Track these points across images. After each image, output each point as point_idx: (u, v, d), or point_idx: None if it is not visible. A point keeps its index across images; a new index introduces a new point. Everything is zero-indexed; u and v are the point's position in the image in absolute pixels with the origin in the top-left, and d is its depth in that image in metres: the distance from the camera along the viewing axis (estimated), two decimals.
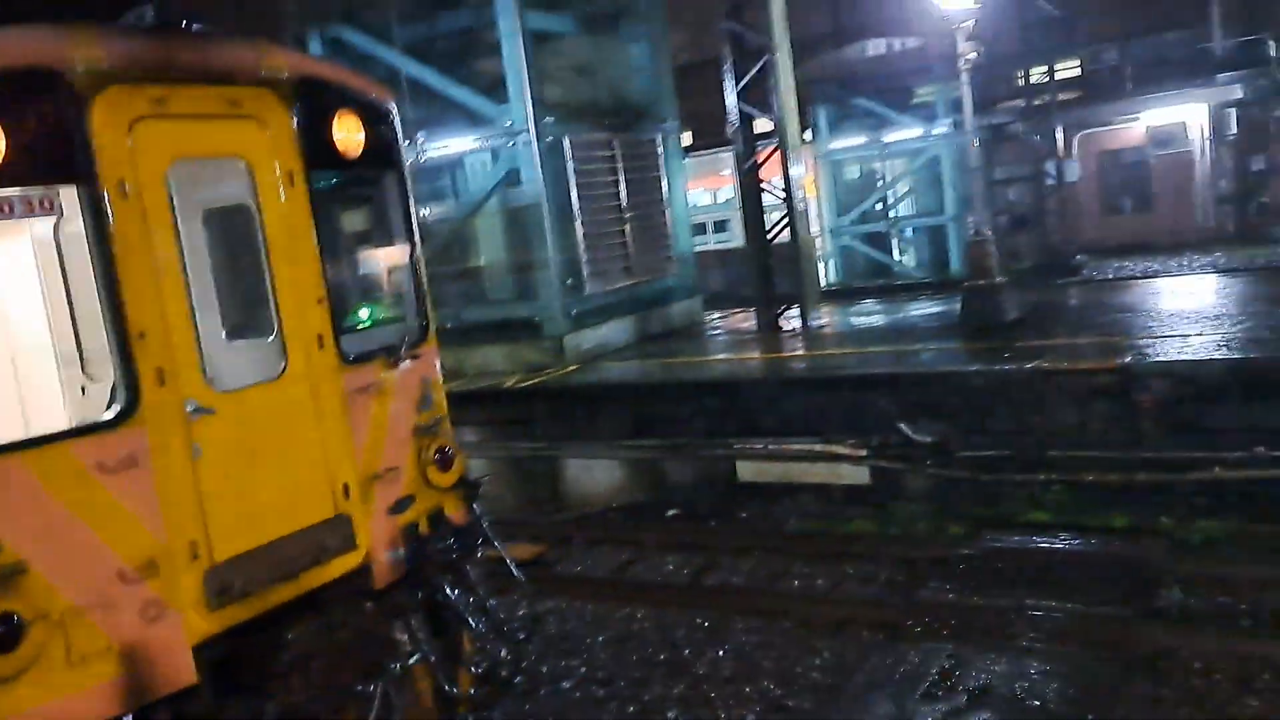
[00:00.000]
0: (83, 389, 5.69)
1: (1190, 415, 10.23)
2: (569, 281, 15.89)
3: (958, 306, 15.28)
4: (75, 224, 4.52)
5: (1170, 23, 34.30)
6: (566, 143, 15.88)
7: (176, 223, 4.62)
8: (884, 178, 28.24)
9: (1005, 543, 9.53)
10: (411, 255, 5.99)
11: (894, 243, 28.40)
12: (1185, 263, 25.64)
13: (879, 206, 28.13)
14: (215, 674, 4.61)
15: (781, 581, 9.65)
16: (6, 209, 4.13)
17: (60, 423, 5.42)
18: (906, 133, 26.58)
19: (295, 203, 5.09)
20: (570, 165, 15.92)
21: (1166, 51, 34.05)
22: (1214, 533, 9.49)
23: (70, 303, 5.59)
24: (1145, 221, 31.54)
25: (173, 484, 4.44)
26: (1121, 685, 6.73)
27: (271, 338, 5.09)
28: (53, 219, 4.81)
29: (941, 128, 25.65)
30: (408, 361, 5.72)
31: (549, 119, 15.76)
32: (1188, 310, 13.69)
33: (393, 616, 5.40)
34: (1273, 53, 31.59)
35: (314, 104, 5.22)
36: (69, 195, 4.33)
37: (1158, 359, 10.70)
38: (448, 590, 5.63)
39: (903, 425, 11.30)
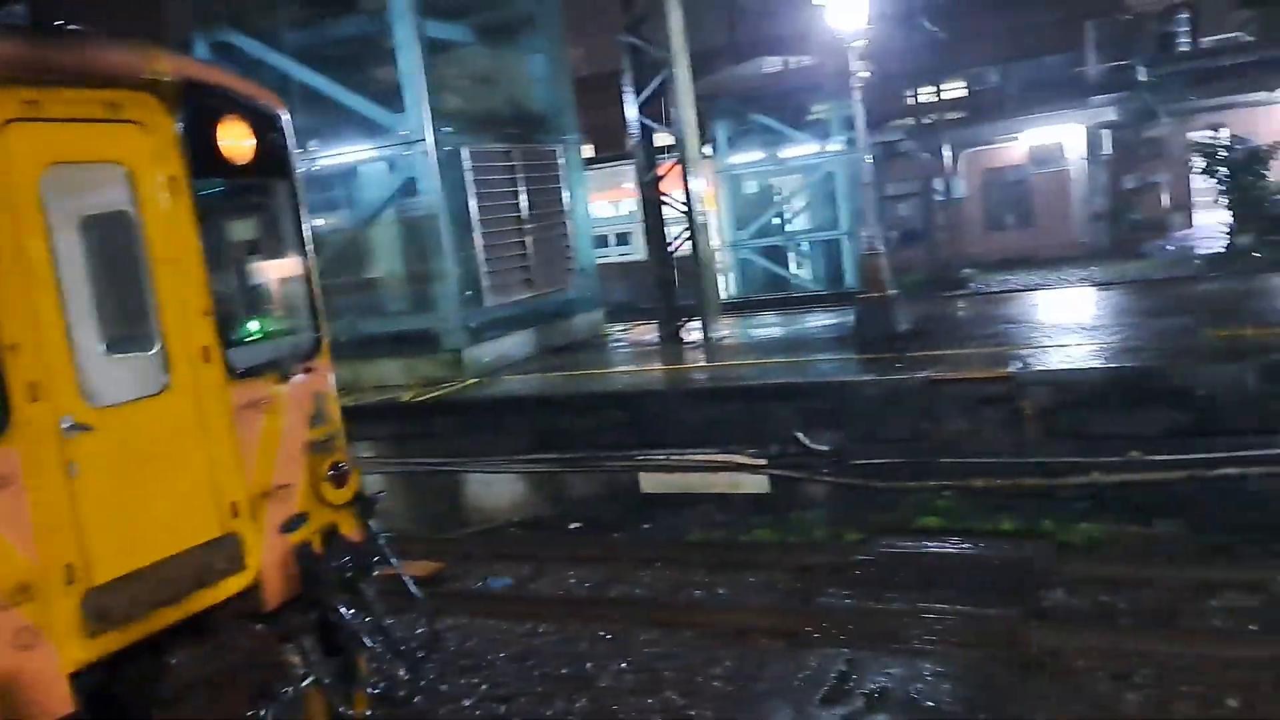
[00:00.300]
0: None
1: (1071, 422, 10.69)
2: (468, 293, 15.71)
3: (852, 318, 15.67)
4: None
5: (1048, 48, 36.12)
6: (465, 153, 15.74)
7: (51, 231, 4.40)
8: (781, 193, 28.84)
9: (899, 548, 9.77)
10: (304, 266, 5.83)
11: (791, 256, 28.98)
12: (1064, 276, 26.92)
13: (776, 221, 28.69)
14: (94, 703, 4.37)
15: (683, 592, 9.68)
16: None
17: None
18: (802, 149, 27.21)
19: (179, 211, 4.90)
20: (469, 175, 15.77)
21: (1045, 75, 35.85)
22: (1094, 534, 9.93)
23: None
24: (1026, 237, 33.02)
25: (47, 504, 4.20)
26: (1012, 684, 6.96)
27: (154, 351, 4.88)
28: None
29: (836, 144, 26.33)
30: (300, 375, 5.56)
31: (447, 128, 15.58)
32: (1067, 322, 14.32)
33: (285, 638, 5.22)
34: (1142, 77, 33.52)
35: (199, 109, 5.05)
36: None
37: (1041, 368, 11.15)
38: (343, 610, 5.47)
39: (800, 435, 11.51)
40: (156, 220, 4.82)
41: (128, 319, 5.15)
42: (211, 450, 4.93)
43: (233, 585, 4.95)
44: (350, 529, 5.71)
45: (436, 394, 14.49)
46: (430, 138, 15.18)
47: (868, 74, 15.13)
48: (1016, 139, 33.22)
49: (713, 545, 10.91)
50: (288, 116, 5.75)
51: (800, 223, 29.06)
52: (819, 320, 17.96)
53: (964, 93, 37.50)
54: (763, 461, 11.61)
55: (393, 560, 5.87)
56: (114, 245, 5.09)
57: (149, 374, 4.89)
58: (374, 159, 16.25)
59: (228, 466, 4.99)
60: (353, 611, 5.51)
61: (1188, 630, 7.63)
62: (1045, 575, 8.73)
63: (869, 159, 16.79)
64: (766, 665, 7.62)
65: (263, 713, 4.83)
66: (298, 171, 5.92)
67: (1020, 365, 11.26)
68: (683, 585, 9.79)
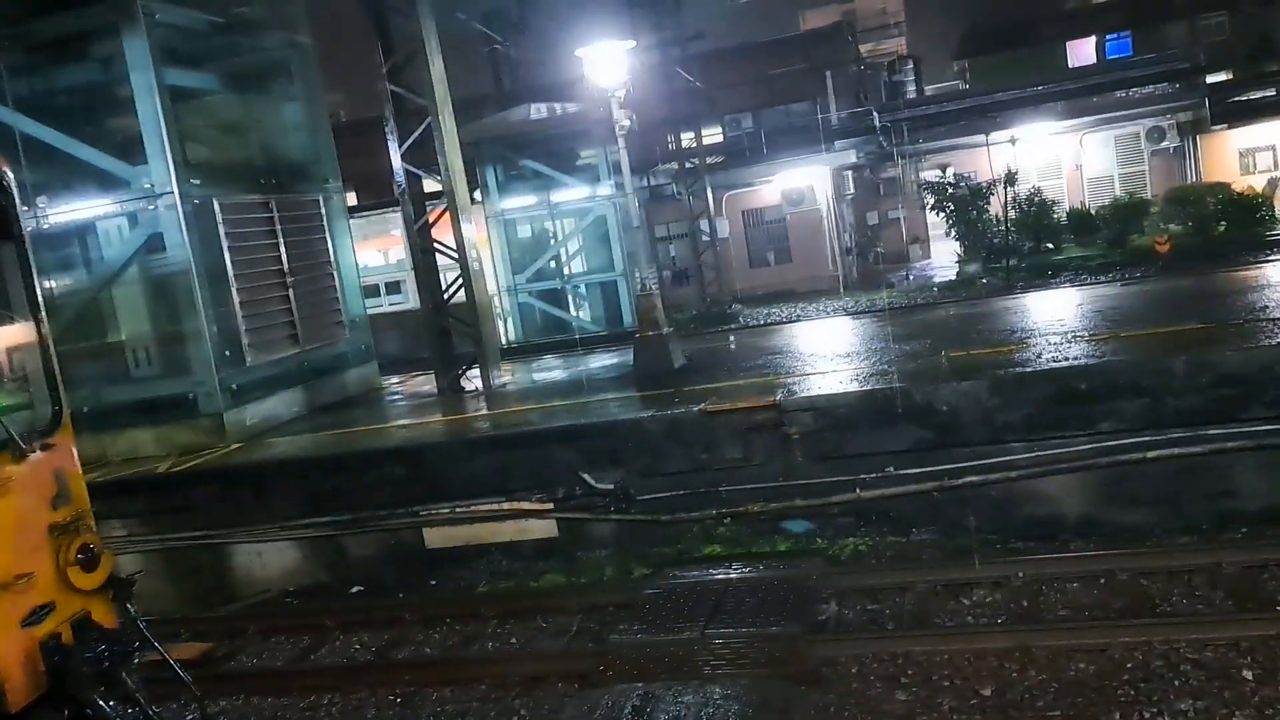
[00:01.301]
0: None
1: (833, 443, 11.41)
2: (227, 353, 14.84)
3: (630, 357, 16.06)
4: None
5: (796, 96, 38.88)
6: (216, 205, 14.94)
7: None
8: (556, 236, 29.20)
9: (685, 578, 10.06)
10: (37, 333, 5.38)
11: (570, 299, 29.36)
12: (821, 307, 28.83)
13: (553, 264, 29.00)
14: None
15: (475, 645, 9.54)
16: None
17: None
18: (574, 193, 27.69)
19: None
20: (222, 228, 14.97)
21: (794, 121, 38.55)
22: (859, 548, 10.64)
23: None
24: (785, 272, 35.16)
25: None
26: (794, 697, 7.31)
27: None
28: None
29: (606, 188, 27.00)
30: (38, 453, 5.11)
31: (194, 180, 14.75)
32: (824, 350, 15.32)
33: None
34: (877, 123, 36.70)
35: None
36: None
37: (803, 394, 11.85)
38: (101, 704, 5.02)
39: (585, 475, 11.63)
40: None
41: None
42: None
43: None
44: (104, 616, 5.27)
45: (195, 462, 13.56)
46: (176, 190, 14.32)
47: (630, 122, 15.68)
48: (771, 181, 35.40)
49: (502, 595, 10.82)
50: (11, 174, 5.31)
51: (576, 265, 29.53)
52: (599, 361, 18.28)
53: (720, 138, 39.62)
54: (549, 505, 11.62)
55: (155, 644, 5.45)
56: None
57: None
58: (114, 214, 15.11)
59: None
60: (113, 705, 5.06)
61: (943, 629, 8.31)
62: (819, 591, 9.25)
63: (637, 203, 17.35)
64: (562, 710, 7.63)
65: None
66: (26, 231, 5.46)
67: (785, 392, 11.93)
68: (473, 639, 9.65)
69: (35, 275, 5.48)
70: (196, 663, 9.45)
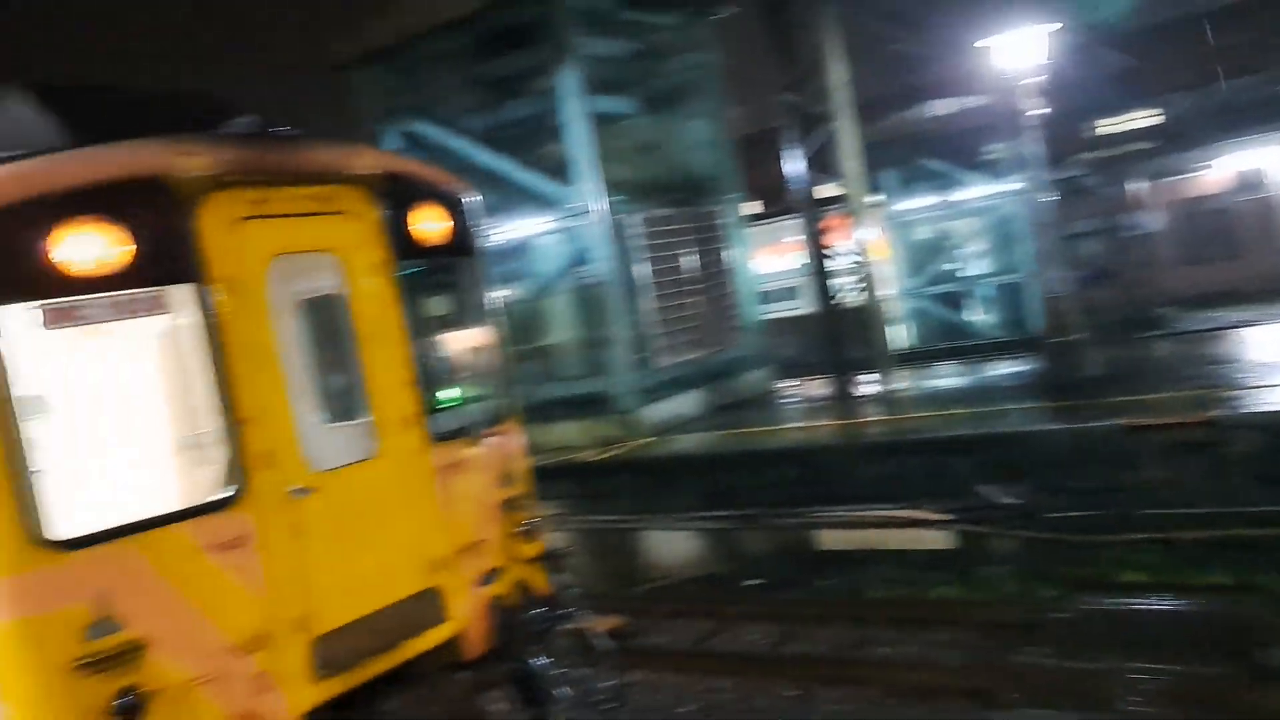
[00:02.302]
0: (194, 473, 6.02)
1: None
2: (639, 356, 16.11)
3: (1036, 365, 15.07)
4: (188, 319, 4.87)
5: (1251, 66, 33.78)
6: (633, 220, 16.27)
7: (277, 315, 4.94)
8: (956, 237, 28.12)
9: (1100, 605, 9.26)
10: (491, 337, 6.25)
11: (969, 303, 28.13)
12: (1277, 312, 24.82)
13: (952, 266, 27.96)
14: None
15: (866, 649, 9.50)
16: (131, 309, 4.48)
17: (174, 505, 5.73)
18: (976, 191, 26.51)
19: (383, 292, 5.39)
20: (636, 242, 16.27)
21: (1246, 95, 33.48)
22: None
23: (181, 392, 5.95)
24: (1229, 270, 30.69)
25: (278, 561, 4.67)
26: None
27: (364, 420, 5.36)
28: (166, 315, 5.17)
29: (1012, 184, 25.52)
30: (491, 439, 5.93)
31: (615, 198, 16.19)
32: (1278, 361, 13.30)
33: (484, 687, 5.52)
34: None
35: (397, 198, 5.56)
36: (180, 292, 4.67)
37: (1249, 410, 10.41)
38: (536, 661, 5.73)
39: (983, 488, 11.14)
40: (363, 301, 5.32)
41: (341, 392, 5.67)
42: (415, 509, 5.33)
43: (437, 635, 5.31)
44: (540, 583, 6.00)
45: (612, 454, 14.86)
46: (599, 208, 15.80)
47: (1041, 111, 14.72)
48: (1210, 166, 31.17)
49: (895, 602, 10.65)
50: (472, 199, 6.23)
51: (977, 267, 28.20)
52: (1002, 368, 17.35)
53: (1152, 121, 35.58)
54: (945, 516, 11.28)
55: (580, 613, 6.10)
56: (328, 325, 5.64)
57: (360, 441, 5.36)
58: (548, 231, 17.03)
59: (430, 524, 5.39)
60: (545, 663, 5.76)
61: None
62: (1264, 632, 8.07)
63: (1048, 197, 16.24)
64: None
65: None
66: (482, 248, 6.38)
67: (1223, 408, 10.54)
68: (865, 643, 9.61)
69: (489, 286, 6.39)
70: (613, 634, 10.35)
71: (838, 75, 16.53)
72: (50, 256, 4.18)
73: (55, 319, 4.22)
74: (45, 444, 5.85)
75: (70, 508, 5.63)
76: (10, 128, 4.84)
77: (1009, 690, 7.71)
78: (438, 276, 6.35)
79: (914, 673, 8.58)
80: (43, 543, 4.04)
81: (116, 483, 6.28)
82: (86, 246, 4.26)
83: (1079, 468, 11.05)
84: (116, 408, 6.41)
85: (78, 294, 4.26)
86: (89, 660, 4.02)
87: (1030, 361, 16.11)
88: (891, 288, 26.44)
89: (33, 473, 4.13)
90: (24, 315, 4.36)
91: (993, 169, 26.55)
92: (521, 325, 17.32)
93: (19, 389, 4.60)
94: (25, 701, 3.97)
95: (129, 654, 4.11)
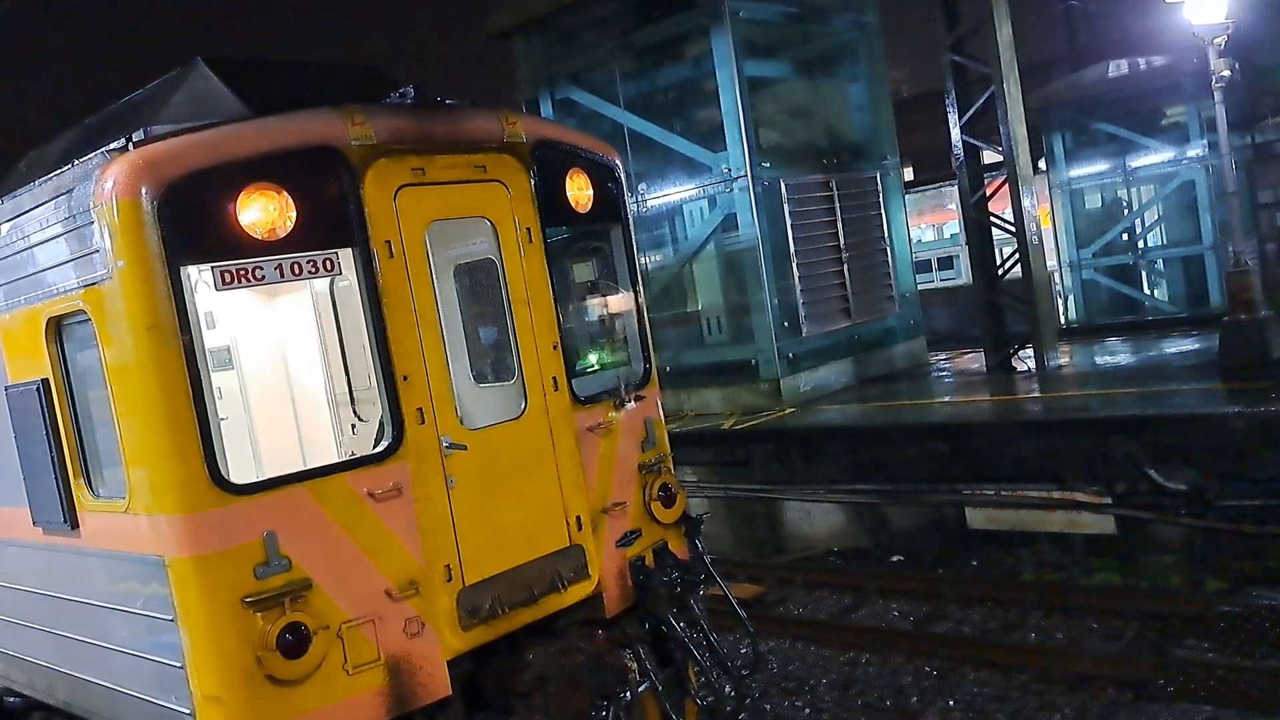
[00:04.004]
0: (353, 427, 6.38)
1: None
2: (785, 324, 15.93)
3: (1216, 343, 14.07)
4: (348, 280, 5.14)
5: None
6: (783, 186, 16.04)
7: (433, 278, 5.15)
8: (1130, 206, 26.46)
9: (1273, 600, 8.67)
10: (635, 302, 6.33)
11: (1143, 275, 26.47)
12: None
13: (1125, 237, 26.34)
14: (464, 690, 5.01)
15: (1016, 633, 9.22)
16: (297, 270, 4.75)
17: (333, 457, 6.10)
18: (1155, 157, 24.82)
19: (533, 257, 5.53)
20: (786, 208, 16.04)
21: None
22: None
23: (343, 350, 6.30)
24: None
25: (431, 512, 4.91)
26: None
27: (513, 380, 5.54)
28: (330, 277, 5.47)
29: (1195, 150, 23.77)
30: (632, 402, 6.03)
31: (765, 163, 15.99)
32: None
33: (622, 645, 5.66)
34: None
35: (549, 165, 5.67)
36: (345, 255, 4.92)
37: None
38: (673, 623, 5.83)
39: (1151, 471, 10.53)
40: (514, 266, 5.47)
41: (491, 353, 5.87)
42: (559, 469, 5.49)
43: (578, 592, 5.47)
44: (678, 547, 6.08)
45: (754, 422, 14.81)
46: (749, 173, 15.65)
47: (1231, 71, 13.61)
48: None
49: (1048, 586, 10.26)
50: (621, 165, 6.30)
51: (1153, 238, 26.45)
52: (1176, 345, 16.30)
53: None
54: (1107, 500, 10.74)
55: (718, 579, 6.16)
56: (480, 288, 5.84)
57: (509, 401, 5.56)
58: (695, 197, 16.99)
59: (573, 484, 5.54)
60: (682, 625, 5.85)
61: None
62: None
63: (1235, 164, 15.05)
64: (1111, 716, 7.08)
65: (604, 712, 5.26)
66: (630, 215, 6.44)
67: None
68: (1014, 626, 9.33)
69: (636, 252, 6.45)
70: (750, 603, 10.42)
71: (1005, 33, 15.73)
72: (229, 220, 4.47)
73: (228, 280, 4.51)
74: (226, 394, 6.32)
75: (245, 454, 6.08)
76: (193, 100, 5.18)
77: (1165, 683, 7.34)
78: (585, 241, 6.47)
79: (1064, 659, 8.27)
80: (222, 485, 4.37)
81: (285, 432, 6.72)
82: (262, 211, 4.54)
83: (1258, 454, 10.29)
84: (283, 363, 6.85)
85: (252, 256, 4.54)
86: (259, 596, 4.35)
87: (1209, 340, 15.05)
88: (1055, 259, 25.17)
89: (216, 419, 4.47)
90: (202, 276, 4.70)
91: (1175, 133, 24.79)
92: (666, 291, 17.40)
93: (209, 341, 4.97)
94: (201, 631, 4.33)
95: (296, 592, 4.42)
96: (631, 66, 17.70)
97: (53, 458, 5.02)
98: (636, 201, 16.93)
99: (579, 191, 5.86)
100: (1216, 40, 13.50)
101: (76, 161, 4.80)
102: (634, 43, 17.44)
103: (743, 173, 15.74)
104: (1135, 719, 6.94)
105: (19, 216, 5.13)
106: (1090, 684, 7.71)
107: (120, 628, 4.89)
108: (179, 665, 4.41)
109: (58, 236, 4.74)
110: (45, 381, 5.01)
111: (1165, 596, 9.41)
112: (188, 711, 4.41)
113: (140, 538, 4.52)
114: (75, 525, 5.03)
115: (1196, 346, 15.64)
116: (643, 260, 16.29)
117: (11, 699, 6.33)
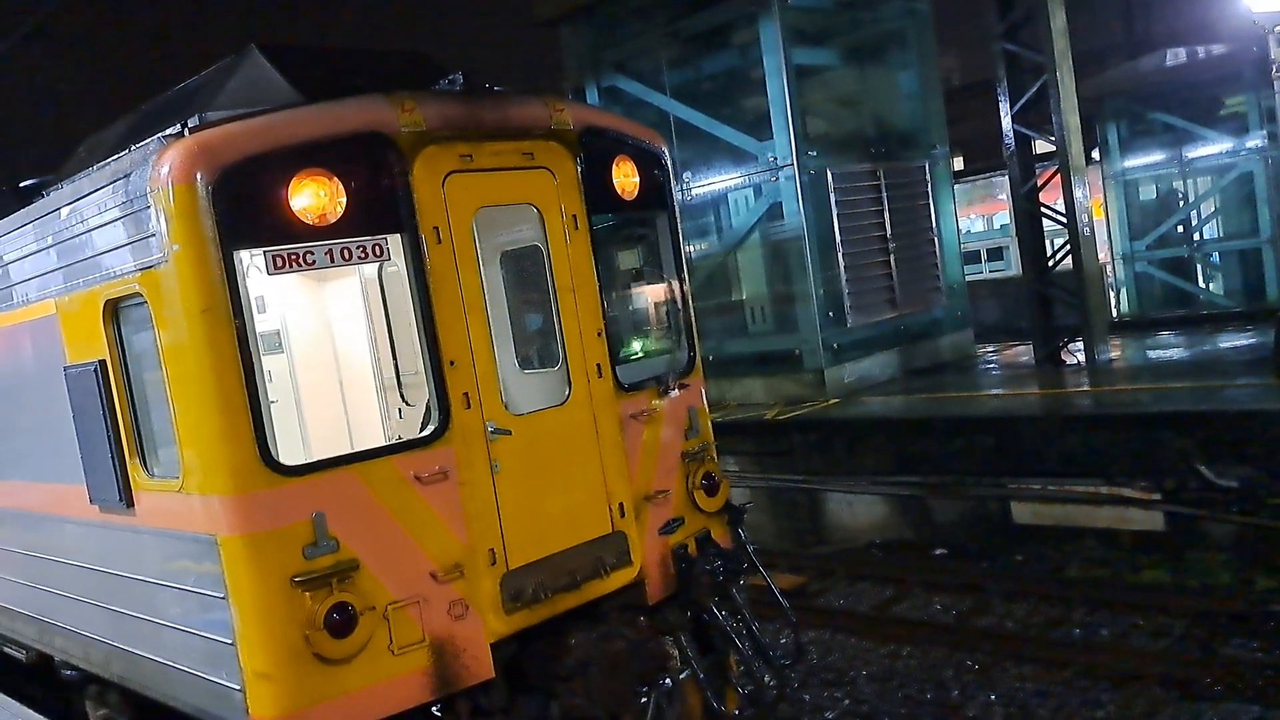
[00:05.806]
0: (399, 411, 6.46)
1: None
2: (830, 314, 15.82)
3: (1271, 339, 13.72)
4: (397, 266, 5.19)
5: None
6: (829, 175, 15.90)
7: (480, 264, 5.19)
8: (1186, 197, 25.88)
9: None
10: (680, 290, 6.33)
11: (1199, 268, 25.89)
12: None
13: (1180, 229, 25.78)
14: (507, 673, 5.06)
15: (1060, 629, 9.10)
16: (347, 255, 4.81)
17: (380, 440, 6.18)
18: (1213, 147, 24.24)
19: (579, 244, 5.54)
20: (833, 197, 15.90)
21: None
22: None
23: (390, 335, 6.38)
24: None
25: (476, 496, 4.97)
26: None
27: (557, 366, 5.57)
28: (379, 262, 5.53)
29: (1254, 140, 23.18)
30: (676, 391, 6.04)
31: (812, 152, 15.86)
32: None
33: (663, 632, 5.68)
34: None
35: (595, 152, 5.68)
36: (393, 241, 4.97)
37: None
38: (715, 611, 5.84)
39: (1202, 468, 10.33)
40: (560, 253, 5.49)
41: (536, 339, 5.91)
42: (603, 455, 5.52)
43: (620, 579, 5.50)
44: (720, 535, 6.08)
45: (798, 412, 14.74)
46: (795, 162, 15.53)
47: None
48: None
49: (1095, 583, 10.13)
50: (668, 153, 6.29)
51: (1210, 230, 25.85)
52: (1232, 340, 15.93)
53: None
54: (1155, 496, 10.56)
55: (760, 569, 6.15)
56: (526, 275, 5.87)
57: (553, 387, 5.59)
58: (741, 185, 16.91)
59: (616, 471, 5.56)
60: (724, 614, 5.86)
61: None
62: None
63: None
64: (1156, 715, 6.98)
65: (646, 698, 5.29)
66: (675, 203, 6.43)
67: None
68: (1059, 622, 9.22)
69: (681, 241, 6.45)
70: (791, 593, 10.39)
71: (1059, 21, 15.44)
72: (281, 205, 4.54)
73: (280, 264, 4.58)
74: (276, 377, 6.43)
75: (294, 436, 6.18)
76: (247, 86, 5.26)
77: (1212, 683, 7.22)
78: (631, 229, 6.48)
79: (1109, 656, 8.17)
80: (273, 467, 4.45)
81: (333, 415, 6.82)
82: (313, 196, 4.60)
83: None
84: (332, 347, 6.94)
85: (303, 241, 4.61)
86: (308, 576, 4.43)
87: (1264, 335, 14.69)
88: (1108, 251, 24.70)
89: (267, 402, 4.55)
90: (254, 260, 4.77)
91: (1234, 124, 24.18)
92: (711, 280, 17.34)
93: (260, 325, 5.04)
94: (251, 609, 4.42)
95: (343, 572, 4.50)
96: (678, 54, 17.63)
97: (109, 437, 5.14)
98: (682, 189, 16.90)
99: (625, 179, 5.87)
100: (1277, 28, 13.16)
101: (134, 147, 4.90)
102: (681, 30, 17.36)
103: (789, 161, 15.63)
104: (1181, 717, 6.82)
105: (77, 201, 5.25)
106: (1135, 681, 7.61)
107: (173, 604, 5.00)
108: (229, 642, 4.51)
109: (115, 220, 4.84)
110: (102, 363, 5.13)
111: (1214, 595, 9.25)
112: (238, 687, 4.51)
113: (193, 517, 4.62)
114: (130, 504, 5.15)
115: (1252, 341, 15.28)
116: (687, 249, 16.27)
117: (68, 672, 6.52)
